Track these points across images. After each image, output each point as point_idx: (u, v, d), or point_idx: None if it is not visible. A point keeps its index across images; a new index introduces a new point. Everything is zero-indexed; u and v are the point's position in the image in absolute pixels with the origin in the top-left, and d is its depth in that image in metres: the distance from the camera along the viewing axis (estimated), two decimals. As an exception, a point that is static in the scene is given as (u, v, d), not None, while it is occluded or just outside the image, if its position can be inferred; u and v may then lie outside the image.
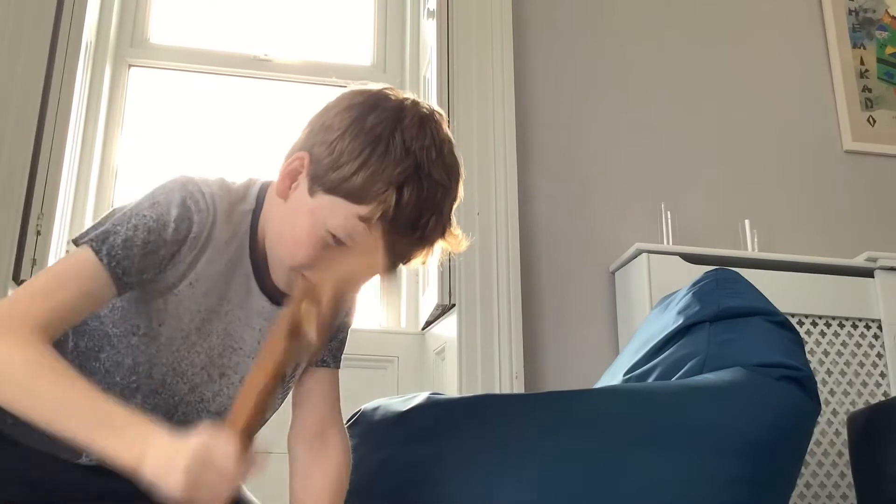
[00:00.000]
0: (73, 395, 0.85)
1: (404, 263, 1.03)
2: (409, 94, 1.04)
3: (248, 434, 0.85)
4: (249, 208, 1.06)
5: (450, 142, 1.03)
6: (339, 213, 0.97)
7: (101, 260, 0.93)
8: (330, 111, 1.02)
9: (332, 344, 1.22)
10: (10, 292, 1.88)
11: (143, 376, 1.02)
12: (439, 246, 1.03)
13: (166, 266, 0.98)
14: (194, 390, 1.06)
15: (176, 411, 1.05)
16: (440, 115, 1.04)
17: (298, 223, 1.00)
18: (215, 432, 0.82)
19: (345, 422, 1.29)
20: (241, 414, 0.86)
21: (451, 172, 1.01)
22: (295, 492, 1.13)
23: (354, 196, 0.96)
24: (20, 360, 0.85)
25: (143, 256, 0.95)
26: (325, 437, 1.16)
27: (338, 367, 1.22)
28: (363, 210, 0.95)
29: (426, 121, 1.00)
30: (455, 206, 1.03)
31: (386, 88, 1.04)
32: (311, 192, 0.99)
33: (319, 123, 1.02)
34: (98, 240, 0.94)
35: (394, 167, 0.95)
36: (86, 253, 0.93)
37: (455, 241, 1.04)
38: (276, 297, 1.08)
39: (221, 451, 0.81)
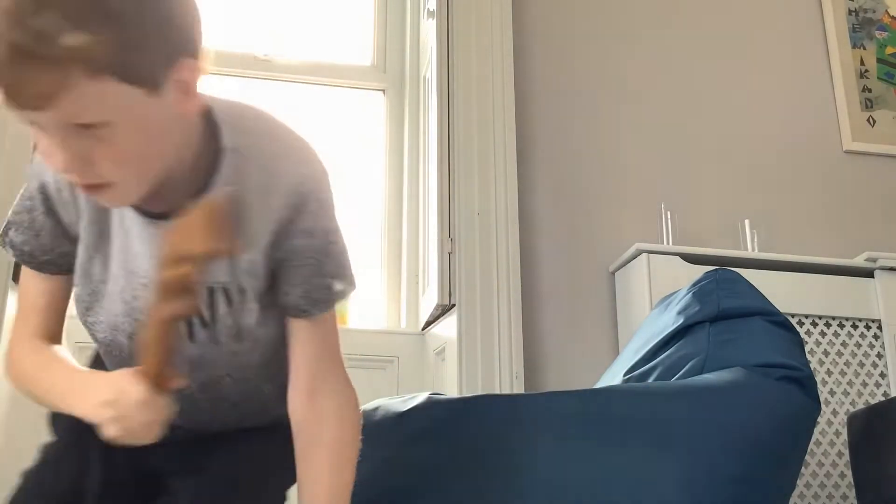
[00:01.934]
0: (49, 373, 0.99)
1: (45, 103, 0.77)
2: None
3: (156, 372, 0.89)
4: None
5: None
6: None
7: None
8: None
9: (307, 284, 1.01)
10: (10, 292, 1.88)
11: (101, 338, 1.06)
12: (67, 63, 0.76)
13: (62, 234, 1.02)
14: (132, 338, 1.00)
15: (132, 364, 0.94)
16: None
17: None
18: (126, 372, 0.90)
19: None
20: (145, 356, 0.91)
21: None
22: (297, 473, 1.03)
23: None
24: (18, 359, 1.03)
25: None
26: (315, 400, 1.01)
27: (319, 313, 1.01)
28: None
29: None
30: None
31: None
32: None
33: None
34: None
35: None
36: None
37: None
38: (150, 213, 0.97)
39: (131, 385, 0.89)
